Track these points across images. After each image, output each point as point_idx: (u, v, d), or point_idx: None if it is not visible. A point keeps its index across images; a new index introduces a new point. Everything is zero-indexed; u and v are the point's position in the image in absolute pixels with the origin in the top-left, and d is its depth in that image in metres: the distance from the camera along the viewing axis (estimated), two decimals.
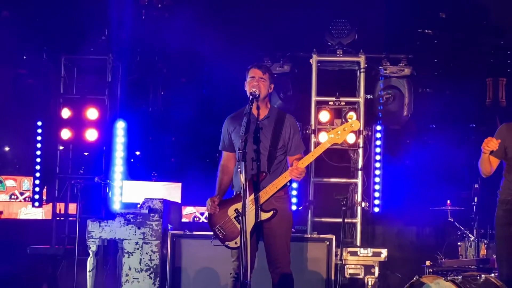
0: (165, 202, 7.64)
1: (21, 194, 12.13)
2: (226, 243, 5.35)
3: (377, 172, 9.03)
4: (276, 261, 5.34)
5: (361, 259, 8.04)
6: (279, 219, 5.31)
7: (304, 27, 9.43)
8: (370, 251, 8.05)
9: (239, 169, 4.96)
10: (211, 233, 5.44)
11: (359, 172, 8.95)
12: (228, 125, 5.55)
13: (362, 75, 9.04)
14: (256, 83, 5.37)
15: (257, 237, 5.35)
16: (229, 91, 10.02)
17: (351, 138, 8.88)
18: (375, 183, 9.01)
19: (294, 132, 5.46)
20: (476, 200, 8.52)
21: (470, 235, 8.50)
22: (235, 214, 5.31)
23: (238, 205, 5.20)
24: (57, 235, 9.53)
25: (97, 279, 7.64)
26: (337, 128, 5.33)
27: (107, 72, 9.61)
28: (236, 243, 5.26)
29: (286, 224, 5.41)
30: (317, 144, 8.72)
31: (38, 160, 9.44)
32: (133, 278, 7.42)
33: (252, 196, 5.21)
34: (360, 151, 8.98)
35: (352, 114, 8.96)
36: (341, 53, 9.21)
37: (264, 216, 5.24)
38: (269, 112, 5.47)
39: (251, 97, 5.28)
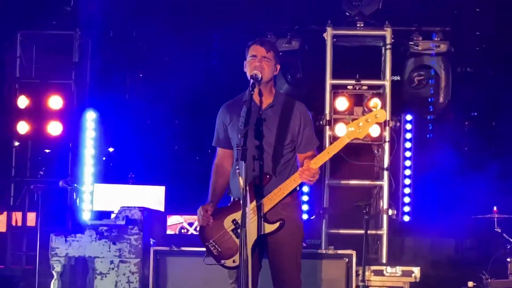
0: (146, 211, 7.68)
1: None
2: (222, 261, 5.34)
3: (407, 172, 9.06)
4: (284, 282, 5.32)
5: (387, 279, 8.07)
6: (287, 232, 5.29)
7: None
8: (398, 269, 8.07)
9: (238, 170, 4.94)
10: (204, 249, 5.42)
11: (385, 173, 8.94)
12: (223, 115, 5.53)
13: (388, 52, 9.03)
14: (258, 63, 5.34)
15: (260, 253, 5.33)
16: (225, 72, 9.99)
17: (375, 131, 8.88)
18: (404, 186, 9.03)
19: (305, 124, 5.43)
20: None
21: None
22: (233, 226, 5.30)
23: (237, 215, 5.19)
24: (13, 252, 9.54)
25: None
26: (358, 119, 5.31)
27: (74, 51, 9.65)
28: (234, 261, 5.24)
29: (296, 238, 5.40)
30: (334, 138, 8.73)
31: None
32: None
33: (254, 203, 5.20)
34: (386, 146, 8.97)
35: (376, 101, 8.96)
36: (362, 25, 9.22)
37: (269, 228, 5.23)
38: (274, 100, 5.45)
39: (252, 80, 5.24)
